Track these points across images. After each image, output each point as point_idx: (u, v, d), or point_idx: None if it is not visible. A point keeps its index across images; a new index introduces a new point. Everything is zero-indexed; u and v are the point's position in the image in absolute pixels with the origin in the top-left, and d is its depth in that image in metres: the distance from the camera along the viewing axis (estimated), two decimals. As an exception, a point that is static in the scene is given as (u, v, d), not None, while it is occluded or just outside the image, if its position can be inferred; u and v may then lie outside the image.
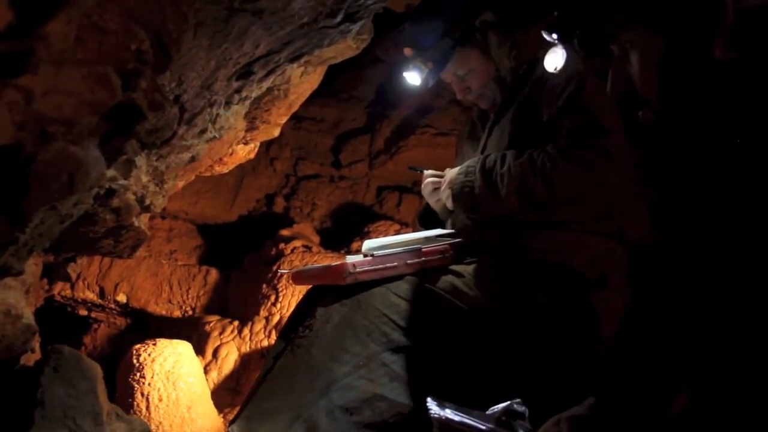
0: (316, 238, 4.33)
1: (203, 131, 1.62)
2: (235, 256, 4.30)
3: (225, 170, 2.64)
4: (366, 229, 4.24)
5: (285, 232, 4.17)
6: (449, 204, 1.89)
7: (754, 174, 0.92)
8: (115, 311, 4.10)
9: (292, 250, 3.90)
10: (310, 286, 1.86)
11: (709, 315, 0.98)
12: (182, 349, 2.89)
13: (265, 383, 1.64)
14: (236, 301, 3.93)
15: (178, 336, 3.12)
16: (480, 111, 2.09)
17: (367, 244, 1.72)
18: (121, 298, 3.94)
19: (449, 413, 1.22)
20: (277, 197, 4.70)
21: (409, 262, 1.69)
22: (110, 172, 1.21)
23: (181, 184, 2.20)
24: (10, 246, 0.93)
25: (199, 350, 3.36)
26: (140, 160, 1.44)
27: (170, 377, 2.71)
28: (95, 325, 4.27)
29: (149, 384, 2.67)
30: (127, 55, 0.79)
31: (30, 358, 1.64)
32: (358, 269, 1.61)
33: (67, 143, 0.78)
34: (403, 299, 1.64)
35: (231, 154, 2.48)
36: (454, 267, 1.75)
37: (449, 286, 1.68)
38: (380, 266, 1.65)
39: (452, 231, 1.89)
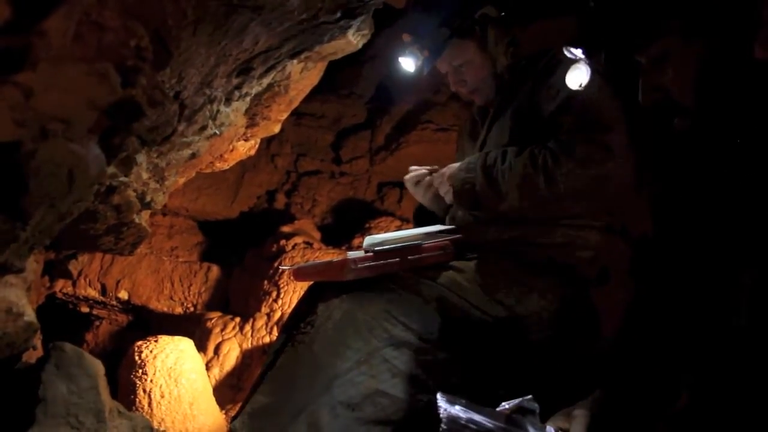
0: (317, 235, 4.33)
1: (203, 128, 1.62)
2: (236, 252, 4.31)
3: (225, 167, 2.64)
4: (367, 226, 4.25)
5: (286, 229, 4.18)
6: (448, 199, 1.88)
7: None
8: (116, 308, 4.11)
9: (293, 247, 3.90)
10: (311, 283, 1.85)
11: (712, 311, 0.98)
12: (184, 345, 2.90)
13: (266, 380, 1.64)
14: (237, 298, 3.94)
15: (179, 333, 3.13)
16: (480, 107, 2.08)
17: (368, 240, 1.72)
18: (123, 295, 3.95)
19: (458, 410, 1.21)
20: (278, 194, 4.70)
21: (410, 257, 1.68)
22: (111, 169, 1.21)
23: (181, 180, 2.20)
24: (11, 243, 0.93)
25: (201, 347, 3.37)
26: (140, 157, 1.44)
27: (172, 374, 2.72)
28: (97, 323, 4.29)
29: (151, 381, 2.68)
30: (126, 52, 0.79)
31: (32, 356, 1.64)
32: (359, 265, 1.61)
33: (66, 140, 0.78)
34: (405, 295, 1.63)
35: (231, 151, 2.48)
36: (455, 263, 1.75)
37: (450, 281, 1.68)
38: (381, 262, 1.64)
39: (453, 227, 1.89)
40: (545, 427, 1.20)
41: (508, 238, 1.76)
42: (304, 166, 4.68)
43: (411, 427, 1.50)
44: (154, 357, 2.75)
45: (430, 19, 1.87)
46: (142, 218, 1.69)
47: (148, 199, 1.70)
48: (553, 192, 1.66)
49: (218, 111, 1.61)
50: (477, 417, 1.20)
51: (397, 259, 1.67)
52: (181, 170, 1.97)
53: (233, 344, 3.46)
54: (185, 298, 4.03)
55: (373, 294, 1.63)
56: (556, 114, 1.72)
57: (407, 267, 1.68)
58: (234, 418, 1.67)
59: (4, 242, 0.91)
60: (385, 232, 3.90)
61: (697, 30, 0.94)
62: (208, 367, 3.28)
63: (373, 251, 1.65)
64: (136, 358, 2.77)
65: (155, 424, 2.49)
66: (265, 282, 3.69)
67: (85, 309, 4.15)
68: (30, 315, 1.21)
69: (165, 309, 4.01)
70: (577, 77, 1.58)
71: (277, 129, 2.51)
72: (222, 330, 3.56)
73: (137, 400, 2.64)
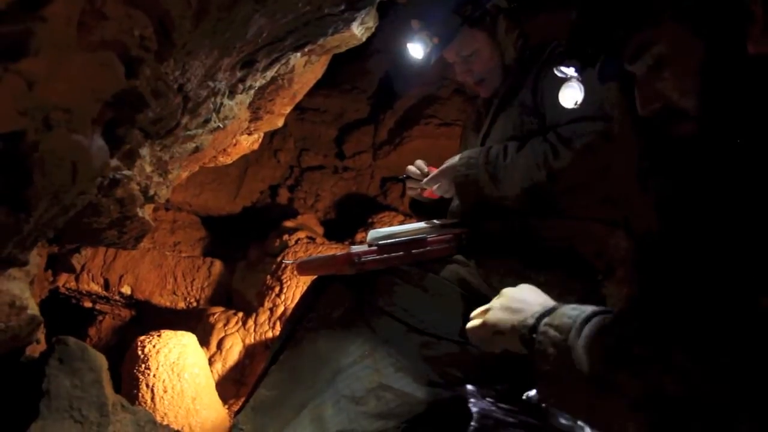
0: (320, 230, 4.33)
1: (207, 121, 1.61)
2: (239, 247, 4.31)
3: (229, 161, 2.64)
4: (370, 220, 4.24)
5: (289, 224, 4.18)
6: (451, 193, 1.88)
7: None
8: (119, 303, 4.11)
9: (296, 242, 3.90)
10: (314, 277, 1.85)
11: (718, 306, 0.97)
12: (187, 340, 2.90)
13: (270, 374, 1.64)
14: (240, 293, 3.94)
15: (182, 328, 3.12)
16: (484, 100, 2.07)
17: (372, 234, 1.71)
18: (126, 289, 3.95)
19: (488, 403, 1.20)
20: (281, 188, 4.69)
21: (414, 251, 1.68)
22: (114, 162, 1.20)
23: (184, 174, 2.19)
24: (14, 236, 0.92)
25: (204, 341, 3.37)
26: (144, 150, 1.43)
27: (175, 368, 2.72)
28: (100, 317, 4.29)
29: (154, 375, 2.68)
30: (130, 42, 0.78)
31: (35, 350, 1.63)
32: (363, 259, 1.61)
33: (70, 131, 0.77)
34: (408, 288, 1.63)
35: (235, 145, 2.47)
36: (458, 256, 1.74)
37: (454, 275, 1.67)
38: (385, 256, 1.64)
39: (457, 220, 1.89)
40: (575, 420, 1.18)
41: (511, 231, 1.76)
42: (307, 161, 4.67)
43: (415, 421, 1.49)
44: (157, 352, 2.75)
45: (441, 6, 1.86)
46: (145, 212, 1.69)
47: (151, 192, 1.69)
48: (556, 185, 1.66)
49: (222, 104, 1.60)
50: (507, 407, 1.19)
51: (401, 253, 1.66)
52: (185, 164, 1.96)
53: (236, 339, 3.46)
54: (188, 293, 4.03)
55: (377, 288, 1.62)
56: (558, 104, 1.71)
57: (411, 260, 1.68)
58: (238, 412, 1.67)
59: (7, 235, 0.90)
60: (388, 226, 3.89)
61: (699, 29, 0.92)
62: (210, 362, 3.28)
63: (377, 245, 1.64)
64: (139, 352, 2.77)
65: (158, 419, 2.48)
66: (268, 277, 3.69)
67: (88, 304, 4.15)
68: (33, 308, 1.21)
69: (168, 304, 4.01)
70: (571, 95, 1.57)
71: (280, 123, 2.50)
72: (225, 325, 3.56)
73: (140, 394, 2.64)
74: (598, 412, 0.95)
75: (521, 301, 1.17)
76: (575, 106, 1.57)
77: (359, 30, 1.89)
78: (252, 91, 1.83)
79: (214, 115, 1.62)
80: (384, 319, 1.58)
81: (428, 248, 1.71)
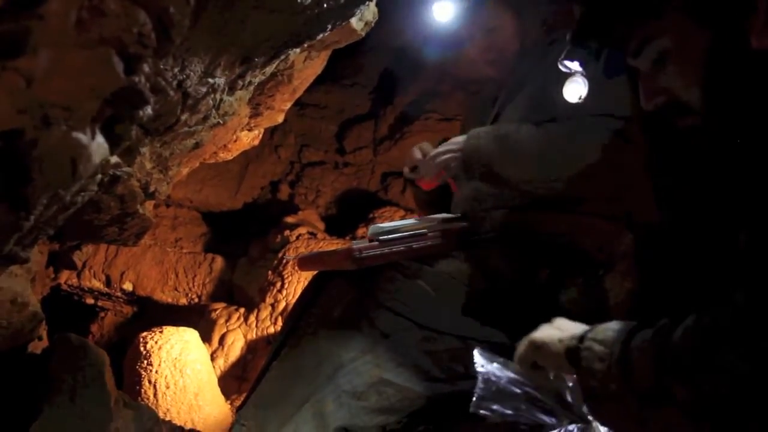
0: (321, 225, 4.33)
1: (207, 117, 1.61)
2: (241, 243, 4.31)
3: (229, 157, 2.64)
4: (371, 216, 4.24)
5: (290, 219, 4.18)
6: (451, 172, 1.83)
7: None
8: (121, 299, 4.12)
9: (297, 237, 3.90)
10: (315, 272, 1.85)
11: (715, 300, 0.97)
12: (189, 336, 2.91)
13: (271, 370, 1.64)
14: (242, 289, 3.94)
15: (184, 324, 3.13)
16: (490, 91, 2.06)
17: (373, 229, 1.71)
18: (128, 286, 3.96)
19: (495, 368, 1.19)
20: (282, 184, 4.69)
21: (415, 246, 1.68)
22: (114, 159, 1.20)
23: (185, 171, 2.19)
24: (15, 233, 0.92)
25: (206, 337, 3.38)
26: (144, 147, 1.43)
27: (177, 364, 2.73)
28: (102, 314, 4.30)
29: (156, 371, 2.69)
30: (128, 39, 0.78)
31: (37, 347, 1.64)
32: (364, 254, 1.61)
33: (69, 129, 0.77)
34: (409, 283, 1.63)
35: (235, 141, 2.47)
36: (459, 251, 1.74)
37: (455, 269, 1.68)
38: (386, 251, 1.64)
39: (457, 215, 1.88)
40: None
41: (512, 224, 1.75)
42: (308, 157, 4.67)
43: (416, 416, 1.50)
44: (159, 348, 2.76)
45: None
46: (146, 208, 1.69)
47: (151, 189, 1.69)
48: (566, 168, 1.64)
49: (221, 100, 1.60)
50: (514, 375, 1.18)
51: (402, 248, 1.66)
52: (185, 160, 1.96)
53: (238, 335, 3.47)
54: (190, 289, 4.03)
55: (378, 283, 1.63)
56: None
57: (412, 255, 1.68)
58: (240, 407, 1.67)
59: (7, 232, 0.90)
60: (389, 221, 3.89)
61: (704, 21, 0.91)
62: (212, 358, 3.28)
63: (378, 240, 1.64)
64: (141, 348, 2.77)
65: (160, 415, 2.49)
66: (270, 273, 3.69)
67: (90, 300, 4.16)
68: (35, 305, 1.21)
69: (169, 300, 4.02)
70: (575, 90, 1.56)
71: (280, 119, 2.50)
72: (226, 321, 3.57)
73: (142, 390, 2.65)
74: (653, 425, 0.95)
75: (562, 324, 1.16)
76: (579, 101, 1.56)
77: (359, 25, 1.88)
78: (252, 87, 1.82)
79: (213, 111, 1.61)
80: (385, 313, 1.58)
81: (429, 243, 1.71)
